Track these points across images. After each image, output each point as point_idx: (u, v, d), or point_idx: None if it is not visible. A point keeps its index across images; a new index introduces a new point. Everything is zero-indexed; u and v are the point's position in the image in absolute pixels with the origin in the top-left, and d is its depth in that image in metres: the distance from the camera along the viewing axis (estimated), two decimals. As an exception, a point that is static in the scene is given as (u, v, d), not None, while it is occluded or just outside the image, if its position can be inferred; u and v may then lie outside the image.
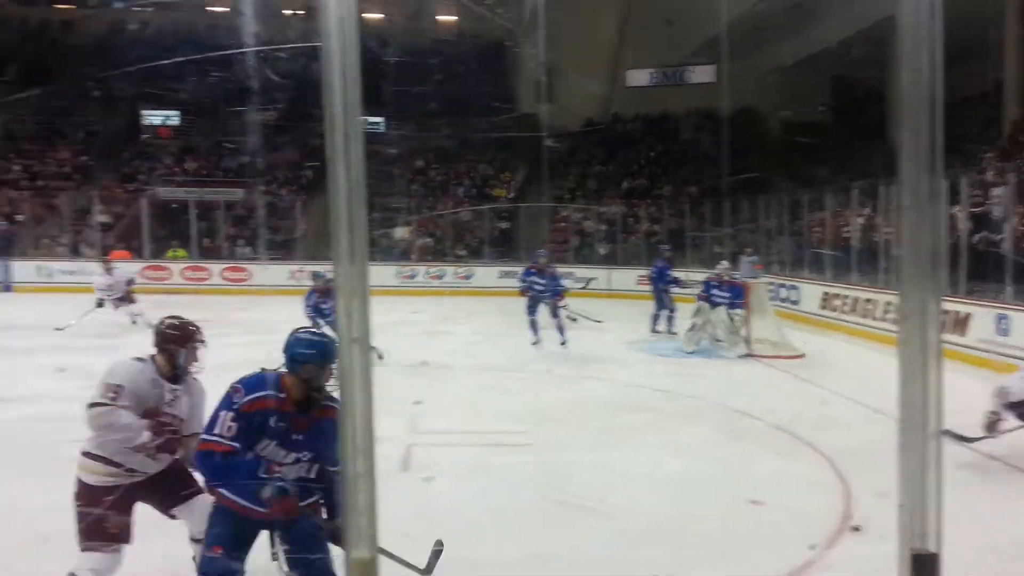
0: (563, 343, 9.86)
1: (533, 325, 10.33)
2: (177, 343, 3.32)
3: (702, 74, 23.97)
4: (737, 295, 10.51)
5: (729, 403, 7.39)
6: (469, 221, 23.08)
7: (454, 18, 29.72)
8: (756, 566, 3.88)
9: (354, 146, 1.21)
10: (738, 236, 18.49)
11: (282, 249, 21.98)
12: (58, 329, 10.96)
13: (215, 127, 26.58)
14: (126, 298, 11.77)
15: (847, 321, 12.72)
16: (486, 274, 20.21)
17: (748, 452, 5.90)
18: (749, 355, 10.05)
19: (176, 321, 3.42)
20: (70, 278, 19.16)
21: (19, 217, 21.99)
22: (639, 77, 25.46)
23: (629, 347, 10.91)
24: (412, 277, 20.19)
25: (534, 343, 10.19)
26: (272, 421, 2.81)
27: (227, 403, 2.82)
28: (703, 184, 22.31)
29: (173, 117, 26.49)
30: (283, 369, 2.91)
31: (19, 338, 10.75)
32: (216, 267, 20.15)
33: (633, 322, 12.68)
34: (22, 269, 19.47)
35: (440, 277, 20.23)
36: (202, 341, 3.40)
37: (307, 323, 7.76)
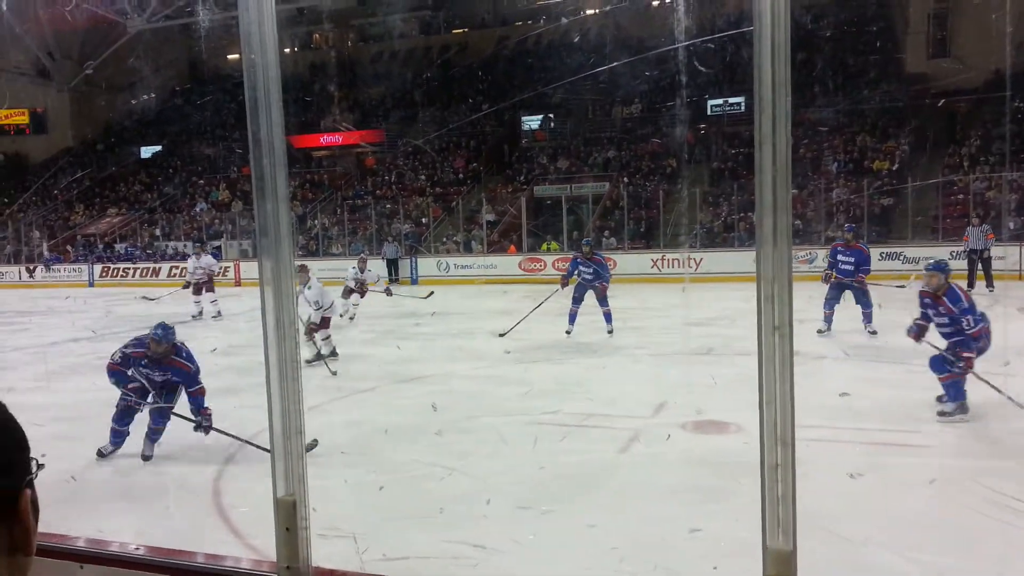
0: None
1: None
2: None
3: None
4: None
5: None
6: (843, 200, 21.12)
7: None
8: None
9: (781, 128, 1.19)
10: None
11: (644, 238, 22.44)
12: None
13: (583, 125, 28.16)
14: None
15: None
16: (864, 257, 18.37)
17: None
18: None
19: None
20: (463, 271, 21.89)
21: (423, 220, 25.73)
22: (1073, 7, 20.70)
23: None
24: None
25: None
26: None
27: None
28: None
29: (547, 120, 28.76)
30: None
31: (427, 325, 12.48)
32: (584, 257, 21.20)
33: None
34: (425, 264, 22.68)
35: (810, 261, 18.75)
36: None
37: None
